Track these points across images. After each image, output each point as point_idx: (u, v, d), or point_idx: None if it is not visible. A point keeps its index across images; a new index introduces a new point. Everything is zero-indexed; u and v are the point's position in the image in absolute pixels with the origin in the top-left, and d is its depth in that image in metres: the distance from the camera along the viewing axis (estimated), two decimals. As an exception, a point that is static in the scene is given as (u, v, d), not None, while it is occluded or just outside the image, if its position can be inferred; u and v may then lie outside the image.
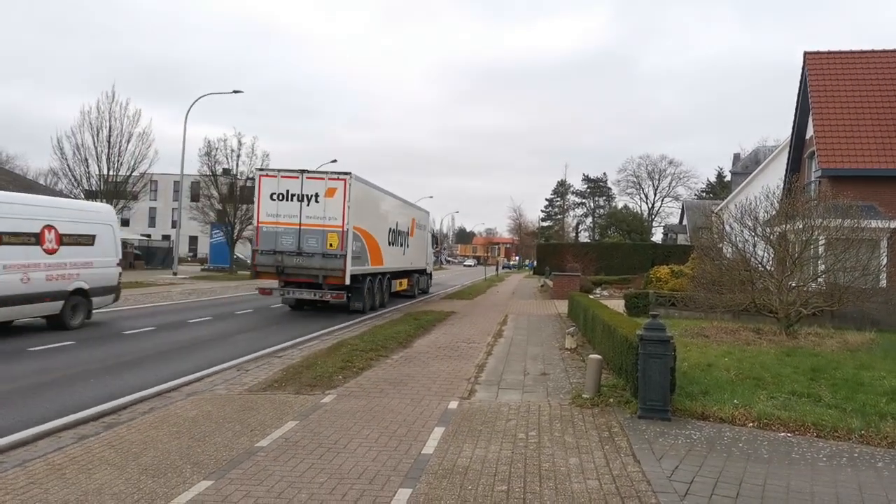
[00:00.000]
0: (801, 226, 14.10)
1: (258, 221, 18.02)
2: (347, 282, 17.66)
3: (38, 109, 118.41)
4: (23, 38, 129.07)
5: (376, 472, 5.40)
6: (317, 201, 17.60)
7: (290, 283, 18.41)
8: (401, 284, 24.49)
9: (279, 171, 18.19)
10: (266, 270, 18.10)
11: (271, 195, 17.81)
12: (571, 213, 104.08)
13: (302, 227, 17.59)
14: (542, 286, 38.12)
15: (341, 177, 17.84)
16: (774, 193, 15.45)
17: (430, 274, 31.59)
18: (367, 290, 19.35)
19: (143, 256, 45.33)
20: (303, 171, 18.08)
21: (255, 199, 18.20)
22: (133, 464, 5.53)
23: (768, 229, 14.55)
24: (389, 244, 22.01)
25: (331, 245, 17.53)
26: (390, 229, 22.25)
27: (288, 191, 17.71)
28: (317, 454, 5.85)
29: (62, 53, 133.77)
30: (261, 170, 18.91)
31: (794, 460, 5.94)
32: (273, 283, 18.79)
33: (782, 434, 6.73)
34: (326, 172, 18.64)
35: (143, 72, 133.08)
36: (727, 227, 16.68)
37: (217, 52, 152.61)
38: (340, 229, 17.51)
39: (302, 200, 17.63)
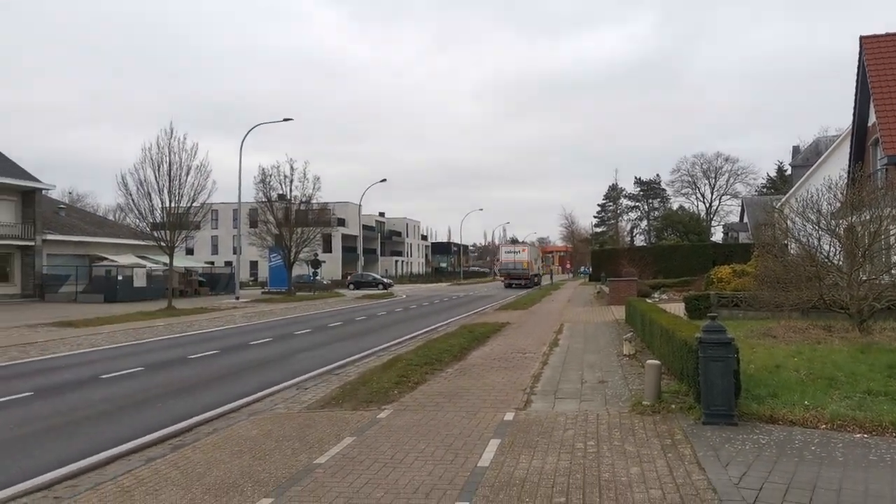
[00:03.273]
0: (868, 217, 13.39)
1: (502, 259, 58.98)
2: (529, 278, 54.97)
3: (109, 149, 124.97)
4: (94, 84, 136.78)
5: (432, 486, 5.37)
6: (518, 252, 56.28)
7: (510, 279, 54.38)
8: (536, 279, 58.02)
9: (508, 242, 79.69)
10: (504, 275, 57.43)
11: (505, 252, 58.18)
12: (625, 216, 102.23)
13: (515, 261, 55.07)
14: (598, 293, 37.47)
15: (526, 243, 66.48)
16: (837, 185, 14.76)
17: (541, 276, 65.64)
18: (532, 281, 55.09)
19: (208, 283, 46.89)
20: (514, 241, 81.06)
21: (500, 252, 65.60)
22: (197, 484, 5.66)
23: (833, 222, 13.88)
24: (534, 263, 58.61)
25: (524, 266, 54.81)
26: (534, 258, 59.52)
27: (511, 250, 57.83)
28: (373, 469, 5.86)
29: (130, 96, 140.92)
30: (503, 243, 76.30)
31: (871, 462, 5.59)
32: (501, 280, 60.34)
33: (858, 435, 6.36)
34: (521, 242, 71.23)
35: (201, 109, 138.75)
36: (789, 223, 16.01)
37: (269, 85, 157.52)
38: (526, 261, 55.14)
39: (515, 253, 56.25)
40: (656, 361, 8.43)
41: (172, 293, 31.59)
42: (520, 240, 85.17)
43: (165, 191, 29.83)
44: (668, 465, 5.70)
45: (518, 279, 53.20)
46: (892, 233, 13.74)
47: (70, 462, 6.55)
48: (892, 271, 13.58)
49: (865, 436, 6.34)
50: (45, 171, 70.02)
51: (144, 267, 39.42)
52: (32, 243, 36.12)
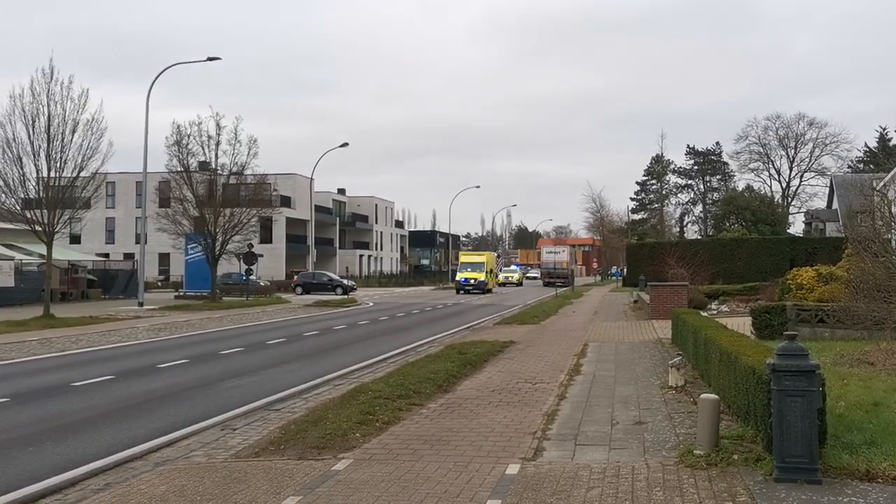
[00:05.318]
0: None
1: (543, 259, 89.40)
2: (567, 277, 71.05)
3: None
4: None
5: (407, 564, 5.36)
6: (558, 253, 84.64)
7: (550, 279, 74.69)
8: (572, 278, 70.71)
9: (468, 252, 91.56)
10: (544, 274, 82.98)
11: (546, 252, 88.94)
12: (673, 199, 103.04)
13: (555, 261, 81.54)
14: (634, 302, 37.77)
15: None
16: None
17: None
18: (569, 280, 68.06)
19: (100, 283, 46.65)
20: (477, 251, 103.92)
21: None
22: (81, 560, 5.61)
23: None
24: (570, 262, 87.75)
25: (563, 266, 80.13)
26: (571, 258, 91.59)
27: (552, 250, 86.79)
28: (326, 542, 5.84)
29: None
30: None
31: None
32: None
33: None
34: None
35: (96, 47, 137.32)
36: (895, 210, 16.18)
37: (192, 18, 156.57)
38: (566, 262, 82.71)
39: (555, 254, 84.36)
40: (713, 396, 8.49)
41: (51, 296, 31.37)
42: (535, 230, 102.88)
43: (43, 154, 29.57)
44: (729, 537, 5.73)
45: (558, 278, 70.25)
46: None
47: None
48: None
49: None
50: None
51: (11, 259, 39.12)
52: None
